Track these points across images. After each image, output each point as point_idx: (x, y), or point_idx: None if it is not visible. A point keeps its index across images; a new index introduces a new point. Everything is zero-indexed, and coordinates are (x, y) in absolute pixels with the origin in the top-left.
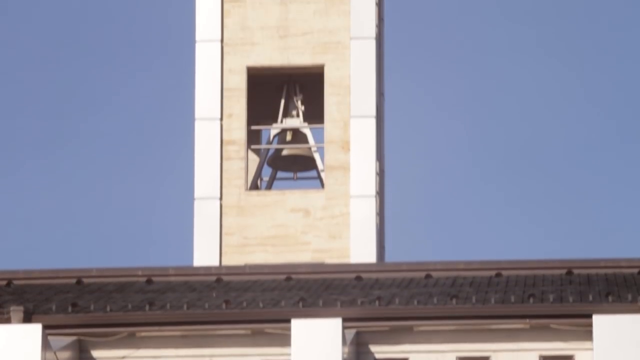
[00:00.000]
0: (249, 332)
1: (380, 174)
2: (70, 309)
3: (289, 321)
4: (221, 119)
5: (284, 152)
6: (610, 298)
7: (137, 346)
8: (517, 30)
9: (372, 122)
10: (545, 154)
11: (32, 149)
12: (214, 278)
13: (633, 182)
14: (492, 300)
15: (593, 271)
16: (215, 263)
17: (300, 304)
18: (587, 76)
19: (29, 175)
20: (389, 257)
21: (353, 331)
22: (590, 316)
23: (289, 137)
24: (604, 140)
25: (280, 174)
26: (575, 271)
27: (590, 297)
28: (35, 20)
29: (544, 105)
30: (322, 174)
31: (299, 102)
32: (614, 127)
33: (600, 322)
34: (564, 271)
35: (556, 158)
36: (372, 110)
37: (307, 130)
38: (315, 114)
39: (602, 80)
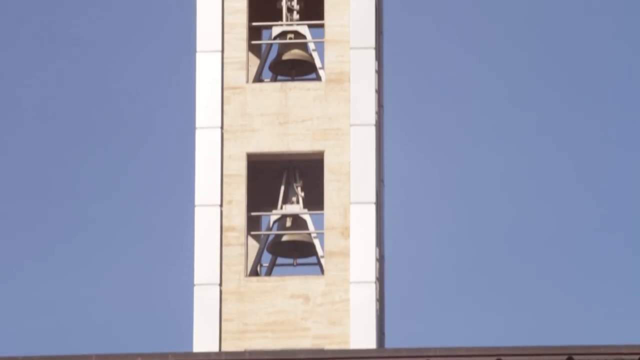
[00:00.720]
0: None
1: (380, 259)
2: None
3: None
4: (221, 205)
5: (284, 238)
6: None
7: None
8: (519, 121)
9: (372, 209)
10: (545, 240)
11: (32, 233)
12: None
13: (634, 268)
14: None
15: (594, 357)
16: (215, 349)
17: None
18: (582, 161)
19: (28, 261)
20: (389, 343)
21: None
22: None
23: (288, 223)
24: (605, 224)
25: (280, 260)
26: (576, 357)
27: None
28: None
29: (545, 192)
30: (322, 260)
31: (299, 189)
32: (615, 210)
33: None
34: (564, 357)
35: (557, 243)
36: (372, 197)
37: (307, 217)
38: (315, 200)
39: (598, 164)
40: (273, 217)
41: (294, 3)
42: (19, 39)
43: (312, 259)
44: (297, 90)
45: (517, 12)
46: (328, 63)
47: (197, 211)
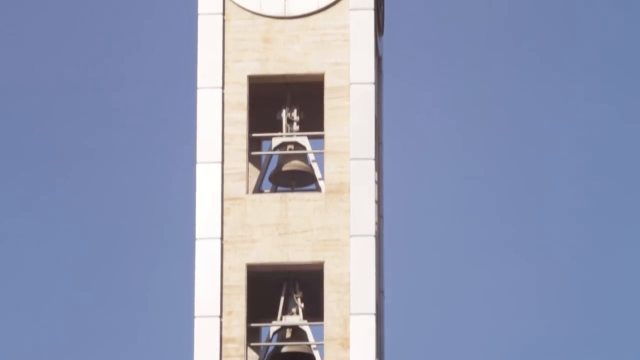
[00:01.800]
0: None
1: None
2: None
3: None
4: (221, 316)
5: (284, 350)
6: None
7: None
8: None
9: (372, 320)
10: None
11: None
12: None
13: None
14: None
15: None
16: None
17: None
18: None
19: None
20: None
21: None
22: None
23: (288, 334)
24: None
25: None
26: None
27: None
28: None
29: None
30: None
31: (299, 300)
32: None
33: None
34: None
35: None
36: (372, 308)
37: (306, 328)
38: (315, 311)
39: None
40: (273, 328)
41: (294, 114)
42: (24, 157)
43: None
44: (297, 201)
45: (522, 112)
46: (328, 174)
47: (197, 322)
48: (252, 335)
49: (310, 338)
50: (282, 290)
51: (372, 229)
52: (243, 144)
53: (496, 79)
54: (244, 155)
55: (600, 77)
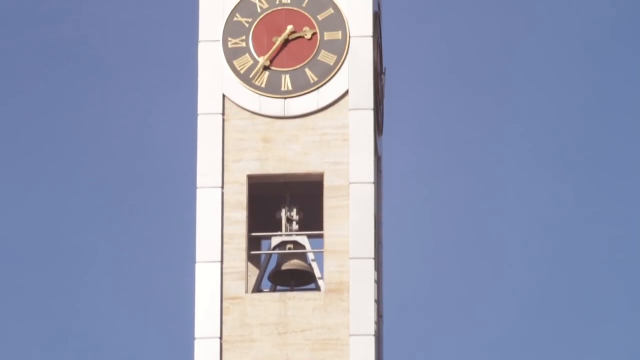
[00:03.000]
0: None
1: None
2: None
3: None
4: None
5: None
6: None
7: None
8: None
9: None
10: None
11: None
12: None
13: None
14: None
15: None
16: None
17: None
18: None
19: None
20: None
21: None
22: None
23: None
24: None
25: None
26: None
27: None
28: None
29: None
30: None
31: None
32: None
33: None
34: None
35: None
36: None
37: None
38: None
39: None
40: None
41: (294, 214)
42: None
43: None
44: (297, 300)
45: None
46: (328, 273)
47: None
48: None
49: None
50: None
51: (371, 328)
52: (243, 243)
53: (494, 176)
54: (243, 254)
55: None
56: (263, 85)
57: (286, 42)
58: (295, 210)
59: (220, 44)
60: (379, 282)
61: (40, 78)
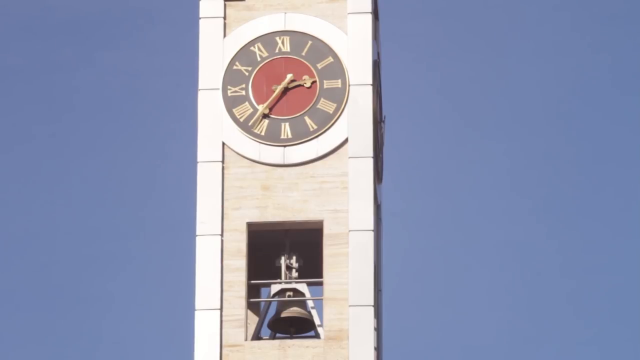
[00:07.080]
0: None
1: None
2: None
3: None
4: None
5: None
6: None
7: None
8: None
9: None
10: None
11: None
12: None
13: None
14: None
15: None
16: None
17: None
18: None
19: None
20: None
21: None
22: None
23: None
24: None
25: None
26: None
27: None
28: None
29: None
30: None
31: None
32: None
33: None
34: None
35: None
36: None
37: None
38: None
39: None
40: None
41: (293, 261)
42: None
43: None
44: (296, 347)
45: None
46: (327, 321)
47: None
48: None
49: None
50: None
51: None
52: (242, 290)
53: (494, 224)
54: (243, 302)
55: None
56: (262, 133)
57: (285, 90)
58: (294, 258)
59: (219, 92)
60: (378, 329)
61: (45, 127)
